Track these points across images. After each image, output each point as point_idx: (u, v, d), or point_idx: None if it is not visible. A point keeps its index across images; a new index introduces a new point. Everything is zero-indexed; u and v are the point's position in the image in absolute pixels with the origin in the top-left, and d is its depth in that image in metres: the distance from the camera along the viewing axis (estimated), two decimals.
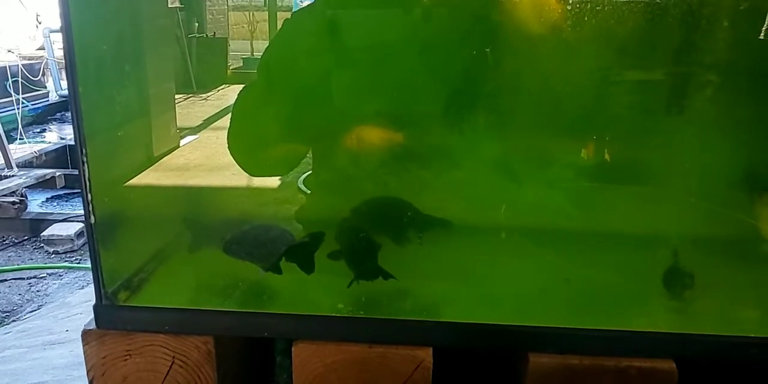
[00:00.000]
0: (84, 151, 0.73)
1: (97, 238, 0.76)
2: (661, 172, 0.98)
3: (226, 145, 1.05)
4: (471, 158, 1.01)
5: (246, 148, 1.06)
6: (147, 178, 1.04)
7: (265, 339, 0.88)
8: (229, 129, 1.05)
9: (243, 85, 1.08)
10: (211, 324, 0.77)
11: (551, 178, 1.01)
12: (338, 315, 0.78)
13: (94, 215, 0.75)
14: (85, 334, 0.79)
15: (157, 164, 1.13)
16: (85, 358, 0.80)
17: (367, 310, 0.79)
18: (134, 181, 0.99)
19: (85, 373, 0.82)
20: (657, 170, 0.98)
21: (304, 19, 1.09)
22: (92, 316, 0.80)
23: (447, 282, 0.85)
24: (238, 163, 1.03)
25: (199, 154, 1.33)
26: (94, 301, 0.81)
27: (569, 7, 0.97)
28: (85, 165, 0.73)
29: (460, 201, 0.97)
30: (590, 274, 0.85)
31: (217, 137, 1.27)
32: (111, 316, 0.79)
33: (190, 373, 0.79)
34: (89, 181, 0.74)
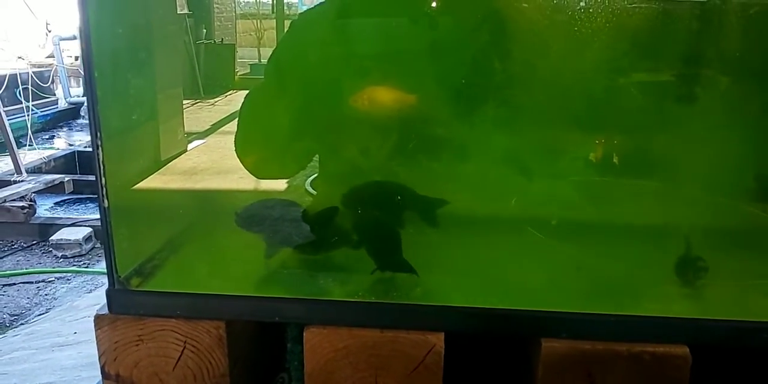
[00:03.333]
0: (98, 134, 0.73)
1: (110, 222, 0.77)
2: (673, 164, 0.98)
3: (234, 149, 1.05)
4: (482, 150, 1.01)
5: (253, 151, 1.07)
6: (155, 180, 1.05)
7: (276, 326, 0.88)
8: (236, 133, 1.05)
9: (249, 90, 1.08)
10: (223, 308, 0.77)
11: (562, 170, 1.01)
12: (350, 300, 0.78)
13: (107, 199, 0.76)
14: (98, 319, 0.80)
15: (164, 168, 1.14)
16: (97, 343, 0.81)
17: (378, 294, 0.78)
18: (143, 182, 0.99)
19: (97, 359, 0.82)
20: (670, 162, 0.98)
21: (309, 21, 1.09)
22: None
23: (459, 268, 0.85)
24: (245, 166, 1.04)
25: (206, 157, 1.34)
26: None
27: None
28: (99, 149, 0.74)
29: (471, 192, 0.98)
30: (603, 262, 0.85)
31: (225, 141, 1.27)
32: (123, 301, 0.79)
33: (202, 358, 0.79)
34: (103, 165, 0.74)
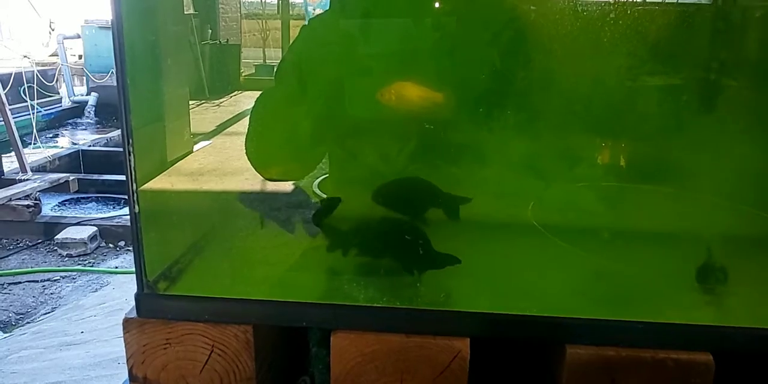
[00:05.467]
0: (130, 141, 0.74)
1: (140, 227, 0.78)
2: (695, 170, 0.98)
3: (244, 151, 1.06)
4: (500, 155, 1.02)
5: (263, 153, 1.07)
6: (162, 182, 1.05)
7: (299, 330, 0.89)
8: (247, 134, 1.06)
9: (260, 91, 1.09)
10: (251, 313, 0.78)
11: (579, 176, 1.02)
12: (376, 305, 0.79)
13: (138, 205, 0.77)
14: (126, 323, 0.81)
15: (171, 169, 1.15)
16: (125, 346, 0.82)
17: (404, 300, 0.79)
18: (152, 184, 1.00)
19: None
20: (691, 169, 0.99)
21: (324, 24, 1.10)
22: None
23: (484, 274, 0.86)
24: (255, 168, 1.04)
25: (213, 159, 1.34)
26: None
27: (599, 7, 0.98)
28: (131, 155, 0.75)
29: (493, 198, 0.98)
30: (626, 269, 0.86)
31: (231, 142, 1.28)
32: (152, 305, 0.80)
33: (229, 362, 0.80)
34: (134, 171, 0.75)
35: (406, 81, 1.02)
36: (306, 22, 1.27)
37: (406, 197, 0.95)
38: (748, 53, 0.99)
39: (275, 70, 1.11)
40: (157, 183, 0.96)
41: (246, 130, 1.07)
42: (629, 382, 0.74)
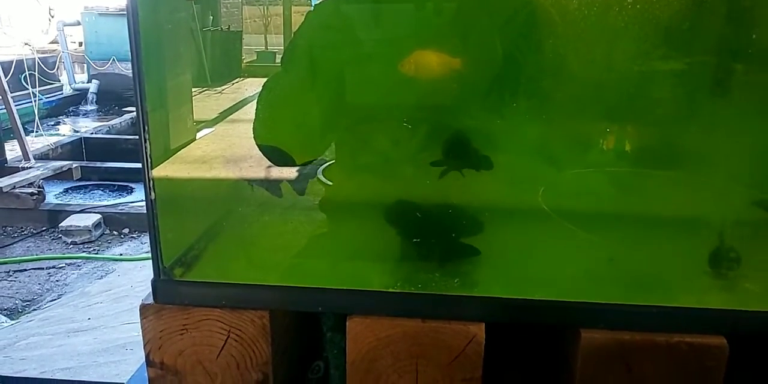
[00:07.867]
0: (146, 128, 0.75)
1: (156, 214, 0.78)
2: (707, 154, 0.98)
3: (247, 137, 1.06)
4: (513, 142, 1.02)
5: (271, 138, 1.07)
6: (166, 169, 1.05)
7: (312, 315, 0.90)
8: (254, 119, 1.06)
9: (263, 78, 1.08)
10: (268, 298, 0.79)
11: (597, 161, 1.01)
12: (392, 290, 0.79)
13: (154, 191, 0.77)
14: (143, 309, 0.81)
15: (174, 157, 1.14)
16: (142, 332, 0.82)
17: (420, 285, 0.80)
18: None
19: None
20: (704, 153, 0.98)
21: (330, 8, 1.09)
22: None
23: (499, 259, 0.86)
24: (263, 153, 1.04)
25: (216, 146, 1.34)
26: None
27: None
28: (147, 142, 0.75)
29: (507, 183, 0.98)
30: (640, 253, 0.86)
31: (233, 129, 1.28)
32: (169, 291, 0.80)
33: (245, 347, 0.81)
34: (150, 158, 0.76)
35: (424, 51, 1.01)
36: (311, 8, 1.26)
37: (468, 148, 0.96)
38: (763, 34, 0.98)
39: (282, 55, 1.11)
40: (165, 170, 0.97)
41: (252, 116, 1.07)
42: (643, 366, 0.75)
